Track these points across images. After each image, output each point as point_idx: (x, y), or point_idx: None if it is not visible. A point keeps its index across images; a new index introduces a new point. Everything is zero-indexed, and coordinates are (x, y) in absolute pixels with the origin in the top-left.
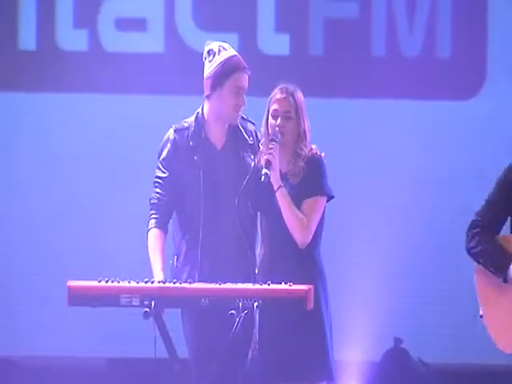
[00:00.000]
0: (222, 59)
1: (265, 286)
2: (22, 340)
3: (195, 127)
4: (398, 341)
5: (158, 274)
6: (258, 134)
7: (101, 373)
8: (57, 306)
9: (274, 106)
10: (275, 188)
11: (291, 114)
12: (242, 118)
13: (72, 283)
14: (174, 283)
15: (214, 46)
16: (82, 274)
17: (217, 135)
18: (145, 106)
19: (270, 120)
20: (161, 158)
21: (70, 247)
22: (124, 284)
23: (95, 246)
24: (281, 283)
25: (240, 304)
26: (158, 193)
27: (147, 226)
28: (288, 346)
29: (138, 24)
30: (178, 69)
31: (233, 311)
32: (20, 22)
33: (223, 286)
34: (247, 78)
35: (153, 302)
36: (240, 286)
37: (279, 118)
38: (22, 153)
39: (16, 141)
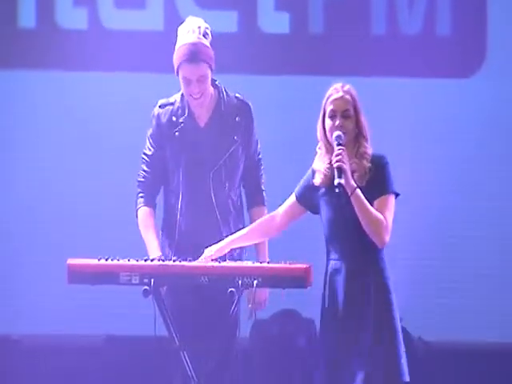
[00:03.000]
0: (176, 46)
1: (264, 264)
2: (22, 318)
3: (180, 103)
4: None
5: (155, 251)
6: (252, 113)
7: (100, 350)
8: (56, 283)
9: (331, 107)
10: (350, 192)
11: (350, 113)
12: (236, 97)
13: (71, 261)
14: (174, 261)
15: (195, 23)
16: (81, 251)
17: (201, 112)
18: (144, 85)
19: (328, 122)
20: (148, 135)
21: (69, 224)
22: (123, 262)
23: (95, 224)
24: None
25: (239, 282)
26: (144, 170)
27: (136, 205)
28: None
29: (137, 2)
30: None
31: (232, 289)
32: (19, 0)
33: (223, 264)
34: (198, 67)
35: (152, 280)
36: (240, 264)
37: (337, 119)
38: (19, 131)
39: (12, 119)
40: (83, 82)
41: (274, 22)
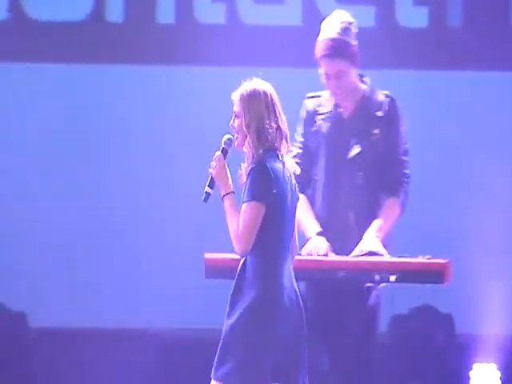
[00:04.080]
0: (317, 41)
1: (403, 259)
2: (157, 312)
3: (328, 95)
4: None
5: (314, 226)
6: (396, 109)
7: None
8: (189, 278)
9: None
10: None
11: (237, 113)
12: (382, 92)
13: (208, 255)
14: (311, 256)
15: (337, 18)
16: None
17: (345, 105)
18: (282, 79)
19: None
20: (298, 126)
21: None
22: None
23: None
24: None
25: (377, 277)
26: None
27: None
28: None
29: None
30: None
31: (370, 284)
32: None
33: (360, 258)
34: (335, 62)
35: None
36: (378, 258)
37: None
38: (166, 124)
39: (162, 113)
40: (221, 77)
41: (413, 16)
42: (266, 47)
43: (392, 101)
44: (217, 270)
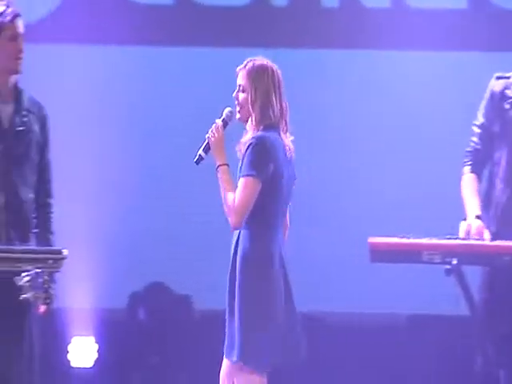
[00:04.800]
0: None
1: None
2: (325, 296)
3: None
4: None
5: (474, 209)
6: None
7: (401, 329)
8: (356, 262)
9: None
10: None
11: (243, 87)
12: None
13: (373, 240)
14: (477, 240)
15: None
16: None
17: None
18: (447, 64)
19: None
20: (480, 106)
21: (366, 202)
22: (425, 240)
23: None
24: None
25: None
26: (472, 141)
27: (461, 174)
28: None
29: None
30: (483, 26)
31: None
32: None
33: None
34: None
35: (454, 260)
36: None
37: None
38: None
39: (320, 96)
40: (382, 61)
41: None
42: (432, 31)
43: None
44: (382, 254)
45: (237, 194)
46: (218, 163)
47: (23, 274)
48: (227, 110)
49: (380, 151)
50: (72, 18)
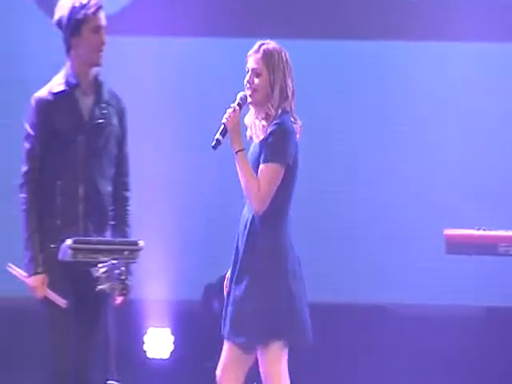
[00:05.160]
0: None
1: None
2: (397, 288)
3: None
4: None
5: None
6: None
7: (481, 321)
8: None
9: (247, 63)
10: (234, 152)
11: (259, 71)
12: None
13: (449, 231)
14: None
15: None
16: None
17: None
18: None
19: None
20: None
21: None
22: (502, 233)
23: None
24: None
25: None
26: None
27: None
28: None
29: None
30: None
31: None
32: None
33: None
34: None
35: None
36: None
37: (248, 75)
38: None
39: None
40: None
41: None
42: None
43: None
44: (458, 246)
45: (262, 180)
46: (236, 148)
47: (99, 265)
48: (241, 93)
49: (460, 143)
50: (149, 9)
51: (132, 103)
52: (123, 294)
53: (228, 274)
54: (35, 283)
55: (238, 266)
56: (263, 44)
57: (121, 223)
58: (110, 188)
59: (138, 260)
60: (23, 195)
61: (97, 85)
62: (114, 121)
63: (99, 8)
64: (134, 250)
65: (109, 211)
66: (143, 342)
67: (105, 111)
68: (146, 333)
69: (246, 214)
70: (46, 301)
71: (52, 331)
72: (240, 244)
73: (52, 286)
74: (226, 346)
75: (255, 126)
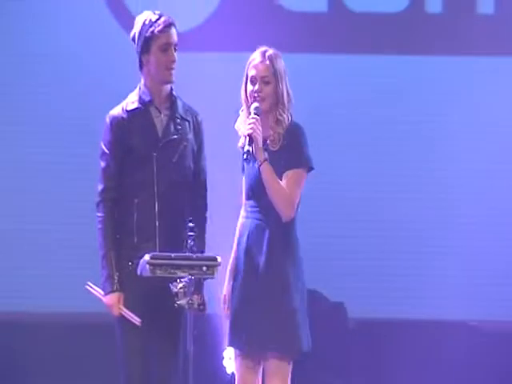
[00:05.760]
0: None
1: None
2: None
3: None
4: None
5: None
6: None
7: None
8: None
9: (252, 72)
10: (259, 163)
11: (268, 79)
12: None
13: None
14: None
15: None
16: None
17: None
18: None
19: (249, 87)
20: None
21: None
22: None
23: None
24: None
25: None
26: None
27: None
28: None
29: None
30: None
31: None
32: None
33: None
34: None
35: None
36: None
37: (257, 84)
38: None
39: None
40: None
41: None
42: None
43: None
44: None
45: (292, 186)
46: (262, 158)
47: (178, 281)
48: (254, 105)
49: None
50: (225, 25)
51: (210, 117)
52: (201, 310)
53: (225, 292)
54: (111, 301)
55: (260, 277)
56: (266, 51)
57: (197, 239)
58: (184, 203)
59: (215, 276)
60: (99, 214)
61: (171, 100)
62: (190, 135)
63: (168, 25)
64: (212, 265)
65: (183, 227)
66: (222, 358)
67: (179, 127)
68: (225, 348)
69: (252, 222)
70: (121, 319)
71: (122, 350)
72: (250, 255)
73: (128, 304)
74: (246, 360)
75: (271, 128)
